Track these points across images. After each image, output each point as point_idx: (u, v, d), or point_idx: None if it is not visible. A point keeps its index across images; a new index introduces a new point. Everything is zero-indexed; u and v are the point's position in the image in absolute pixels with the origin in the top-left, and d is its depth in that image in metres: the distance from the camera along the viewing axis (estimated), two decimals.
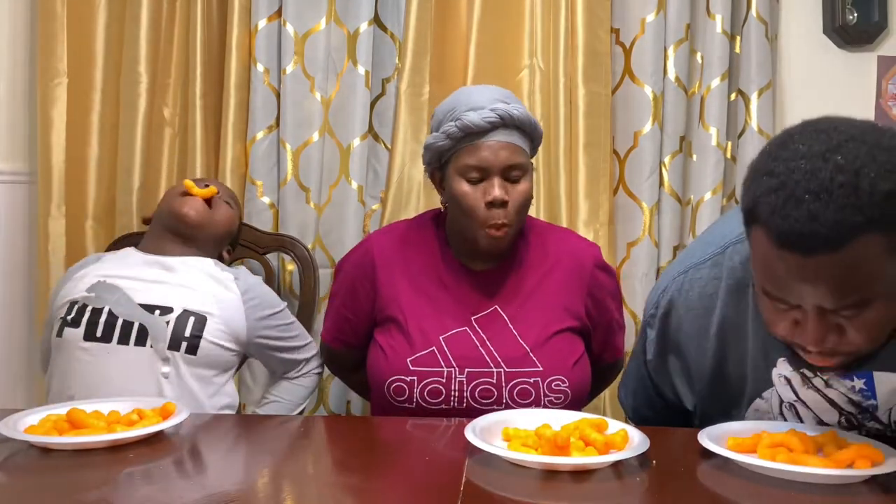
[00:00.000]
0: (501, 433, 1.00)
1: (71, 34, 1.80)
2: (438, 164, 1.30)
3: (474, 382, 1.25)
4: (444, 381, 1.25)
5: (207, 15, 1.81)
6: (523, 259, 1.34)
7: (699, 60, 1.86)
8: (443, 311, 1.30)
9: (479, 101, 1.24)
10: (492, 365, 1.25)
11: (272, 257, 1.80)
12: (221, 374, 1.40)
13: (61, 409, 1.07)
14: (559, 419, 1.03)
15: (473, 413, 1.14)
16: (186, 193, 1.46)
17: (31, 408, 1.09)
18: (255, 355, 1.49)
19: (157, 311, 1.34)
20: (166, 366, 1.32)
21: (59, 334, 1.36)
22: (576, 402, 1.28)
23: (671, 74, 1.83)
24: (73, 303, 1.37)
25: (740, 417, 1.05)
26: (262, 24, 1.80)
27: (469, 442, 0.94)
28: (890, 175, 0.77)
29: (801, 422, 1.01)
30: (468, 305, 1.31)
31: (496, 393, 1.24)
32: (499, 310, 1.31)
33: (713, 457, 0.93)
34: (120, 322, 1.33)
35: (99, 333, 1.32)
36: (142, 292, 1.36)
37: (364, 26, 1.82)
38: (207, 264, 1.44)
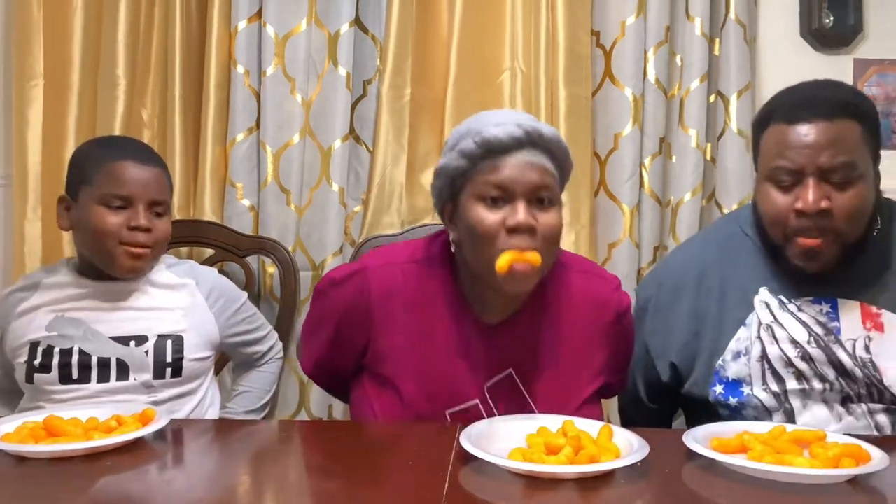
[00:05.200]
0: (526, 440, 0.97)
1: (47, 35, 1.78)
2: (451, 191, 1.09)
3: None
4: None
5: (186, 16, 1.80)
6: (542, 308, 1.15)
7: (679, 62, 1.87)
8: (453, 378, 1.12)
9: (502, 118, 1.06)
10: None
11: (252, 260, 1.78)
12: (204, 380, 1.39)
13: (38, 417, 1.05)
14: (553, 424, 1.02)
15: None
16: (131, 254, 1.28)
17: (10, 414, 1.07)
18: (223, 350, 1.47)
19: (133, 342, 1.28)
20: (153, 394, 1.28)
21: (29, 380, 1.27)
22: None
23: (651, 76, 1.84)
24: (34, 344, 1.27)
25: (720, 353, 1.18)
26: (241, 25, 1.79)
27: (455, 446, 0.93)
28: (862, 95, 1.18)
29: (776, 342, 1.15)
30: (481, 370, 1.13)
31: None
32: (514, 375, 1.13)
33: (698, 458, 0.93)
34: (94, 360, 1.26)
35: (75, 376, 1.25)
36: (109, 324, 1.29)
37: (345, 27, 1.81)
38: (160, 273, 1.36)
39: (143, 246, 1.29)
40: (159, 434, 1.05)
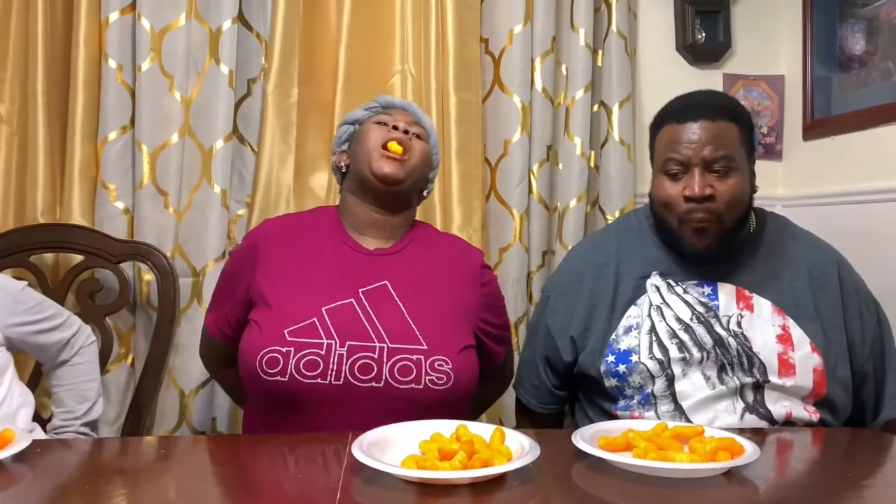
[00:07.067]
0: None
1: None
2: (351, 133, 1.40)
3: (355, 356, 1.17)
4: (322, 353, 1.16)
5: (50, 4, 1.66)
6: (414, 245, 1.36)
7: (564, 72, 1.92)
8: (329, 283, 1.26)
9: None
10: (375, 339, 1.19)
11: (127, 266, 1.67)
12: (1, 379, 1.26)
13: None
14: (446, 429, 1.01)
15: (350, 389, 1.15)
16: None
17: None
18: (20, 348, 1.34)
19: None
20: None
21: None
22: (459, 389, 1.21)
23: (538, 85, 1.88)
24: None
25: (613, 328, 1.33)
26: (113, 16, 1.68)
27: (347, 456, 0.90)
28: (739, 102, 1.37)
29: (664, 319, 1.30)
30: (357, 279, 1.27)
31: (376, 369, 1.17)
32: (388, 286, 1.27)
33: (586, 457, 0.95)
34: None
35: None
36: None
37: (227, 24, 1.73)
38: None
39: None
40: (21, 457, 0.96)
